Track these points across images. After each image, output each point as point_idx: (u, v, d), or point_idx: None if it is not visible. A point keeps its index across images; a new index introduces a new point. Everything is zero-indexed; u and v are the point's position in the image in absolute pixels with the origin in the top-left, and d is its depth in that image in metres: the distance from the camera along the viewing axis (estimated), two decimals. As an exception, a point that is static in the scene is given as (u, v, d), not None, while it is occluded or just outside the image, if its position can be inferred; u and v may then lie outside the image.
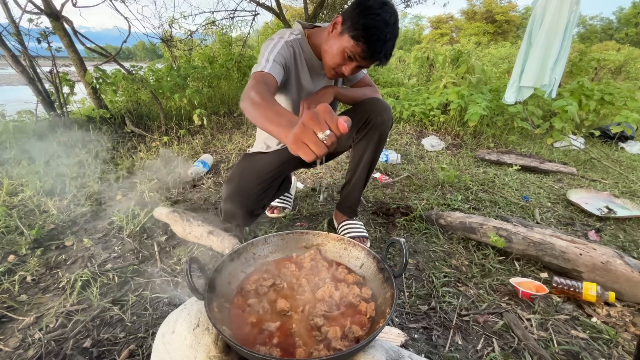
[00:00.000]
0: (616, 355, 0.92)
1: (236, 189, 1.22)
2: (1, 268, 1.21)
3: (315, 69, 1.25)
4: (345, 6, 6.66)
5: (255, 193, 1.23)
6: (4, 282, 1.14)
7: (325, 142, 0.59)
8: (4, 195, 1.73)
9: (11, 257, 1.28)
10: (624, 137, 3.16)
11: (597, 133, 3.13)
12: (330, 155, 1.48)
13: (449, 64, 4.50)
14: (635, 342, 0.95)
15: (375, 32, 1.00)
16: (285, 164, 1.31)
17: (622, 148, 3.10)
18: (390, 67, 7.16)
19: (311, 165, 1.55)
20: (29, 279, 1.17)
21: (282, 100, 1.30)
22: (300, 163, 1.42)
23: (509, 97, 3.15)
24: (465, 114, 2.99)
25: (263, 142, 1.40)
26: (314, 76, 1.27)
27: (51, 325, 0.97)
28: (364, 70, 1.41)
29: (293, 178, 1.83)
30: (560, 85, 3.30)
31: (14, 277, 1.16)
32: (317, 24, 1.24)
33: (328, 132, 0.59)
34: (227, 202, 1.22)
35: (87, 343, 0.92)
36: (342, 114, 1.33)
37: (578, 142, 2.85)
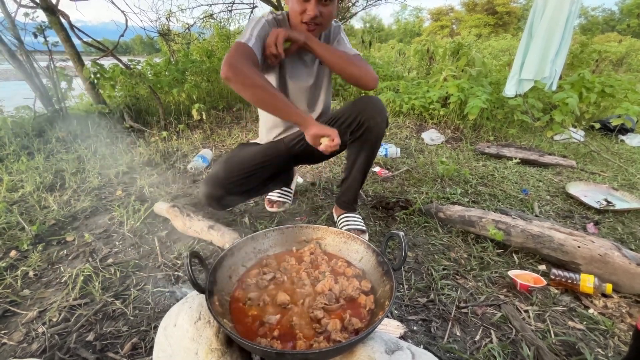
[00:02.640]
0: (612, 345, 0.93)
1: (217, 172, 1.26)
2: (3, 263, 1.22)
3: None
4: (345, -2, 6.56)
5: (233, 178, 1.25)
6: (7, 277, 1.15)
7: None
8: (4, 191, 1.74)
9: (13, 253, 1.28)
10: (624, 130, 3.15)
11: (598, 126, 3.12)
12: (320, 157, 1.48)
13: (449, 57, 4.46)
14: (631, 333, 0.97)
15: None
16: (271, 158, 1.33)
17: (622, 141, 3.09)
18: (390, 60, 7.11)
19: (303, 163, 1.56)
20: (31, 274, 1.18)
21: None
22: (292, 160, 1.44)
23: (509, 89, 3.13)
24: (465, 107, 2.98)
25: (264, 135, 1.43)
26: (297, 53, 1.24)
27: (54, 320, 0.99)
28: (353, 51, 1.28)
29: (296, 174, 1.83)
30: (561, 78, 3.28)
31: (16, 272, 1.17)
32: None
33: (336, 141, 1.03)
34: (205, 182, 1.26)
35: (90, 337, 0.93)
36: (335, 113, 1.30)
37: (578, 134, 2.85)
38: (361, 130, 1.22)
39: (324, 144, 1.04)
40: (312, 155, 1.44)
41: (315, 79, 1.33)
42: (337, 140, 1.02)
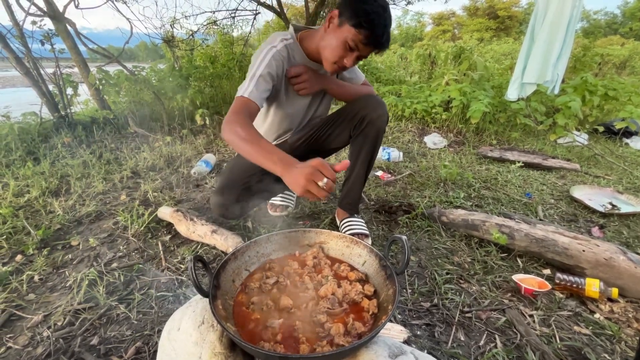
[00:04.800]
0: (619, 350, 0.92)
1: (225, 182, 1.30)
2: (9, 268, 1.23)
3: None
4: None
5: (241, 184, 1.29)
6: (13, 282, 1.16)
7: (324, 187, 0.76)
8: (10, 196, 1.76)
9: (19, 257, 1.30)
10: (628, 133, 3.13)
11: (601, 129, 3.11)
12: (328, 152, 1.50)
13: (451, 61, 4.48)
14: (637, 338, 0.95)
15: (376, 17, 1.01)
16: None
17: (626, 144, 3.07)
18: (392, 65, 7.15)
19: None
20: (36, 278, 1.19)
21: (274, 112, 1.31)
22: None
23: (512, 93, 3.13)
24: (467, 111, 2.98)
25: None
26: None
27: (59, 324, 0.99)
28: (362, 76, 1.43)
29: None
30: (563, 81, 3.28)
31: (22, 277, 1.18)
32: (310, 26, 1.24)
33: (326, 180, 0.76)
34: (216, 194, 1.30)
35: (95, 340, 0.93)
36: (337, 111, 1.34)
37: (581, 138, 2.84)
38: (364, 124, 1.26)
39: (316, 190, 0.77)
40: (316, 153, 1.47)
41: (316, 109, 1.41)
42: (330, 173, 0.78)
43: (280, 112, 1.32)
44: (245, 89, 1.06)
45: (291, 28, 1.22)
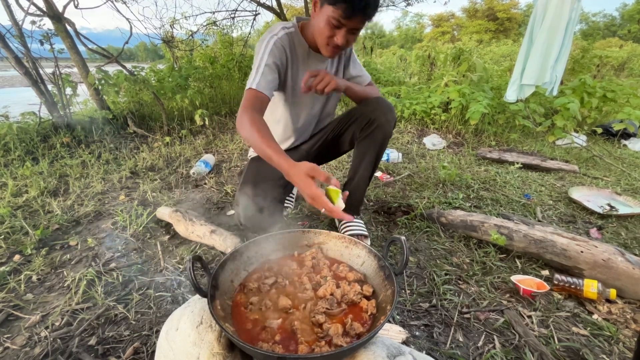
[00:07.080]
0: (617, 351, 0.92)
1: (258, 192, 1.21)
2: (7, 268, 1.22)
3: (313, 60, 1.25)
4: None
5: (278, 192, 1.25)
6: (10, 282, 1.16)
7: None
8: (8, 196, 1.75)
9: (17, 257, 1.29)
10: (626, 135, 3.15)
11: (600, 130, 3.12)
12: (338, 154, 1.51)
13: (450, 62, 4.49)
14: (635, 339, 0.96)
15: None
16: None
17: (624, 145, 3.09)
18: (392, 66, 7.16)
19: (318, 164, 1.59)
20: (34, 278, 1.19)
21: (279, 101, 1.29)
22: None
23: (511, 95, 3.15)
24: (466, 112, 2.99)
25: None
26: (313, 67, 1.26)
27: (57, 324, 0.99)
28: (368, 76, 1.42)
29: None
30: (562, 83, 3.29)
31: (19, 277, 1.18)
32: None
33: (323, 210, 0.87)
34: (248, 207, 1.21)
35: (93, 341, 0.93)
36: (346, 114, 1.35)
37: (580, 139, 2.84)
38: (372, 127, 1.26)
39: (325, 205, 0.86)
40: (327, 155, 1.50)
41: (323, 105, 1.39)
42: (334, 181, 0.91)
43: (287, 112, 1.31)
44: (253, 80, 1.06)
45: (295, 19, 1.21)
